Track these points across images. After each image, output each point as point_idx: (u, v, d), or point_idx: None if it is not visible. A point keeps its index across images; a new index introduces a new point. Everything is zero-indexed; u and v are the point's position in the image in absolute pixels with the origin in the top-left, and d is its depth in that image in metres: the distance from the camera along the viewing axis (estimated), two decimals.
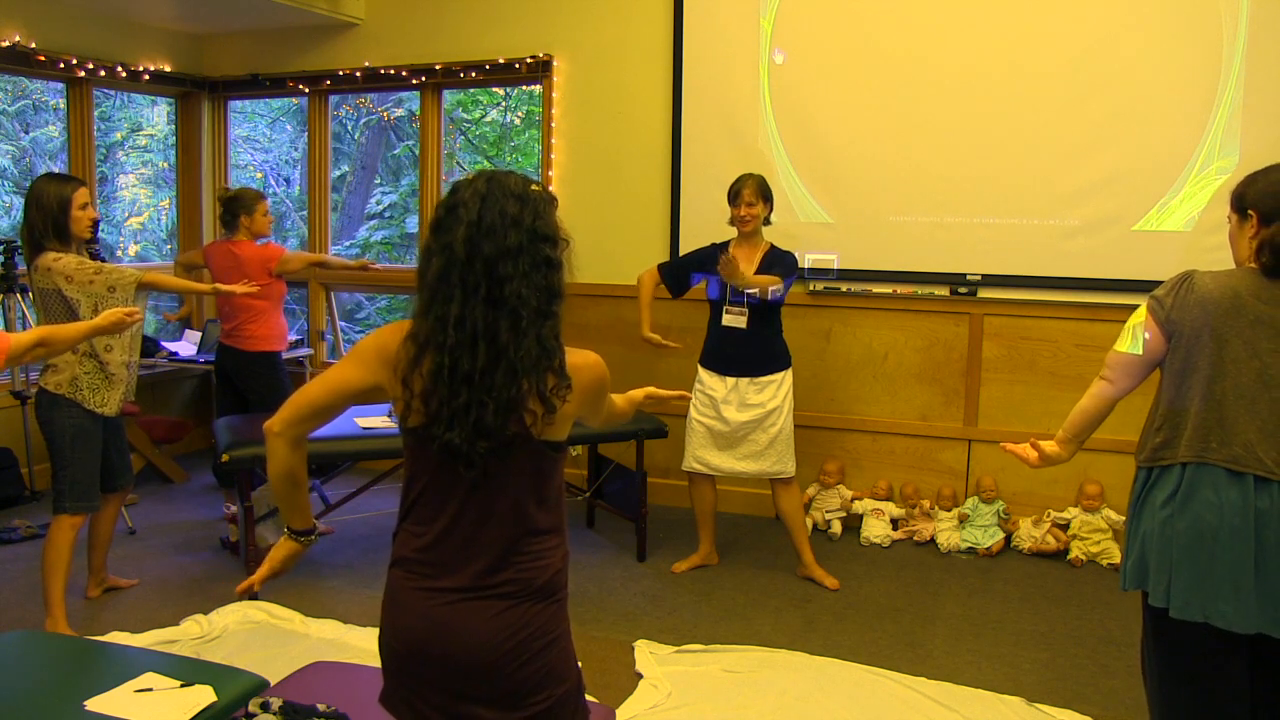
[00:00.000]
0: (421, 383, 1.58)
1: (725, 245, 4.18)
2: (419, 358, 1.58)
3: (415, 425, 1.61)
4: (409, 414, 1.62)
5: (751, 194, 4.04)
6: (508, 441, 1.57)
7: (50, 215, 3.46)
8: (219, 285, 4.15)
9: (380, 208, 8.69)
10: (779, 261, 4.05)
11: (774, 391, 4.09)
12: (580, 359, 1.65)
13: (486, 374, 1.54)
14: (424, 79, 5.67)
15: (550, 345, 1.58)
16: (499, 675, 1.59)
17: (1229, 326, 2.08)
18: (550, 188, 5.37)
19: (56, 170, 5.84)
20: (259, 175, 8.49)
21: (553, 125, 5.37)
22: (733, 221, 4.11)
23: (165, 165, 6.89)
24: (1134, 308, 2.30)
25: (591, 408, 1.72)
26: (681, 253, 4.96)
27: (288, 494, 1.77)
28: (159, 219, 7.80)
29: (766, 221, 4.13)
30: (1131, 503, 2.25)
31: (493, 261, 1.54)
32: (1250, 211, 2.15)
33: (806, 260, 4.83)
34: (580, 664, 1.75)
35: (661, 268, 4.33)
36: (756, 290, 3.92)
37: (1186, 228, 4.37)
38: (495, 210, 1.56)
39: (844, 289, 4.86)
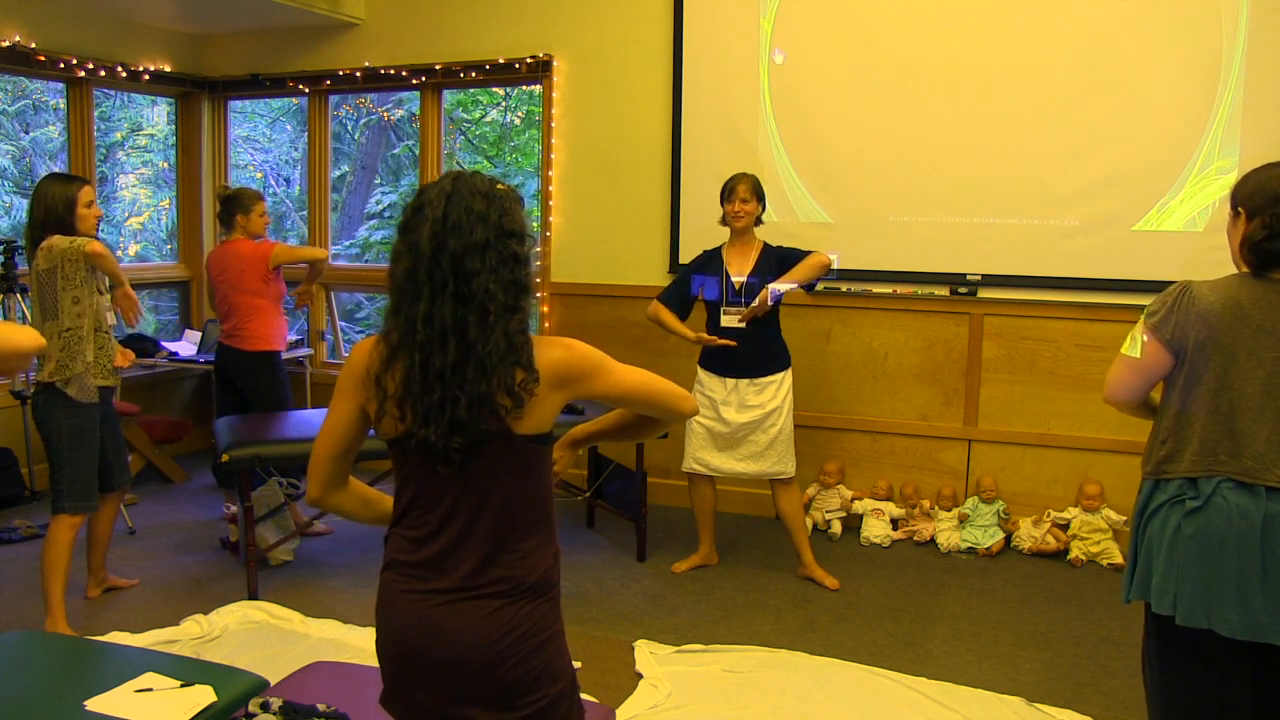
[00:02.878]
0: (394, 385, 1.59)
1: (718, 250, 4.18)
2: (391, 359, 1.60)
3: (395, 436, 1.63)
4: (384, 418, 1.63)
5: (746, 191, 4.04)
6: (486, 438, 1.57)
7: (55, 214, 3.51)
8: (126, 285, 3.72)
9: (380, 208, 8.69)
10: (791, 256, 4.04)
11: (774, 392, 4.09)
12: (548, 350, 1.63)
13: (457, 370, 1.55)
14: (424, 79, 5.66)
15: (517, 340, 1.58)
16: (492, 675, 1.59)
17: (1233, 338, 2.07)
18: (550, 188, 5.38)
19: (57, 170, 5.84)
20: (259, 175, 8.49)
21: (553, 125, 5.37)
22: (725, 220, 4.11)
23: (165, 165, 6.89)
24: (1133, 308, 2.29)
25: (584, 390, 1.67)
26: (681, 254, 4.96)
27: (369, 518, 1.83)
28: (159, 219, 7.80)
29: (759, 220, 4.13)
30: (1136, 514, 2.22)
31: (459, 257, 1.55)
32: (1240, 209, 2.15)
33: None
34: (580, 664, 1.76)
35: (662, 299, 4.21)
36: (786, 287, 3.92)
37: (1186, 228, 4.37)
38: (461, 207, 1.57)
39: (844, 289, 4.86)
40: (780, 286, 3.98)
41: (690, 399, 1.80)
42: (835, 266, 4.74)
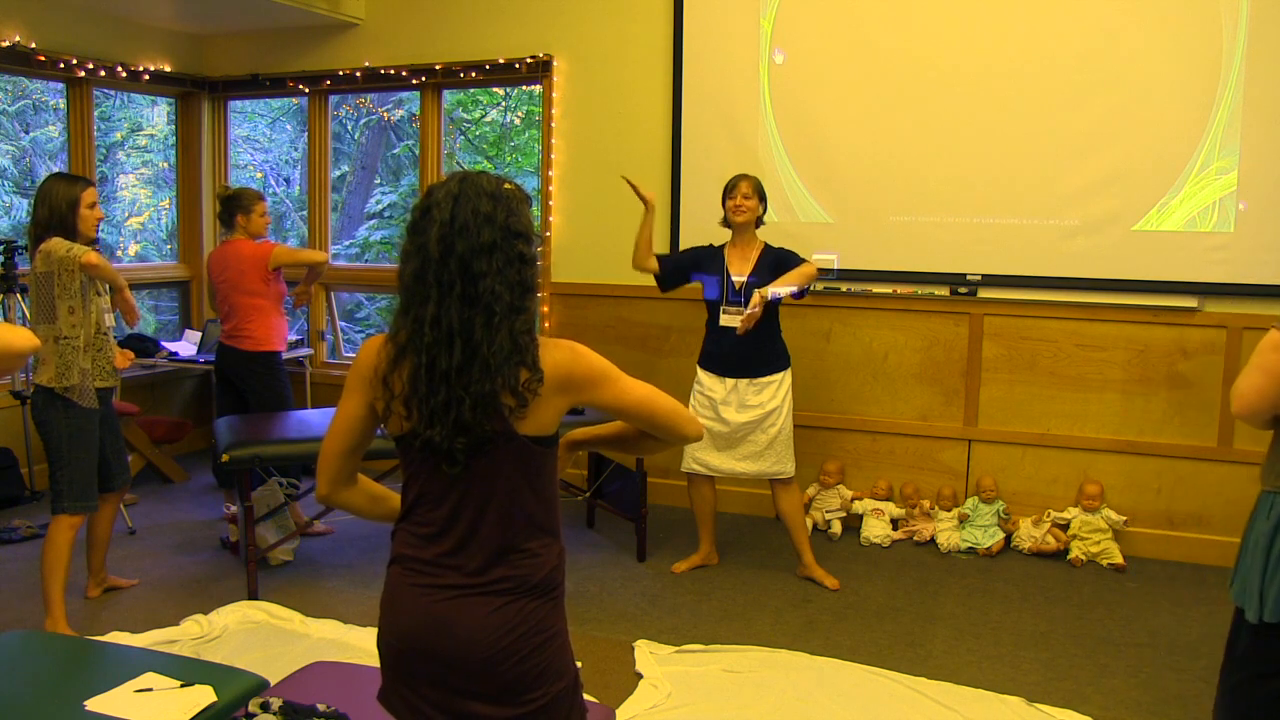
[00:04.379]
0: (401, 385, 1.61)
1: (720, 249, 4.18)
2: (399, 359, 1.61)
3: (402, 433, 1.64)
4: (390, 417, 1.64)
5: (748, 187, 4.04)
6: (490, 438, 1.58)
7: (59, 214, 3.52)
8: (125, 290, 3.76)
9: (380, 207, 8.69)
10: (788, 259, 4.04)
11: (773, 392, 4.09)
12: (553, 352, 1.63)
13: (463, 371, 1.56)
14: (424, 79, 5.66)
15: (522, 340, 1.59)
16: (495, 671, 1.60)
17: None
18: (550, 188, 5.38)
19: (57, 170, 5.84)
20: (259, 175, 8.49)
21: (553, 125, 5.37)
22: (726, 219, 4.11)
23: (165, 165, 6.89)
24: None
25: (586, 398, 1.67)
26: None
27: (378, 515, 1.83)
28: (159, 219, 7.80)
29: (760, 222, 4.13)
30: (1268, 530, 2.15)
31: (467, 259, 1.56)
32: None
33: None
34: (580, 663, 1.76)
35: (659, 255, 4.30)
36: (785, 291, 3.91)
37: (1186, 228, 4.37)
38: (468, 209, 1.57)
39: (844, 289, 4.86)
40: (775, 291, 3.95)
41: (695, 422, 1.76)
42: (836, 267, 4.75)
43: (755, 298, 3.94)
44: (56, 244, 3.49)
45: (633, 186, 4.15)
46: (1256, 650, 2.18)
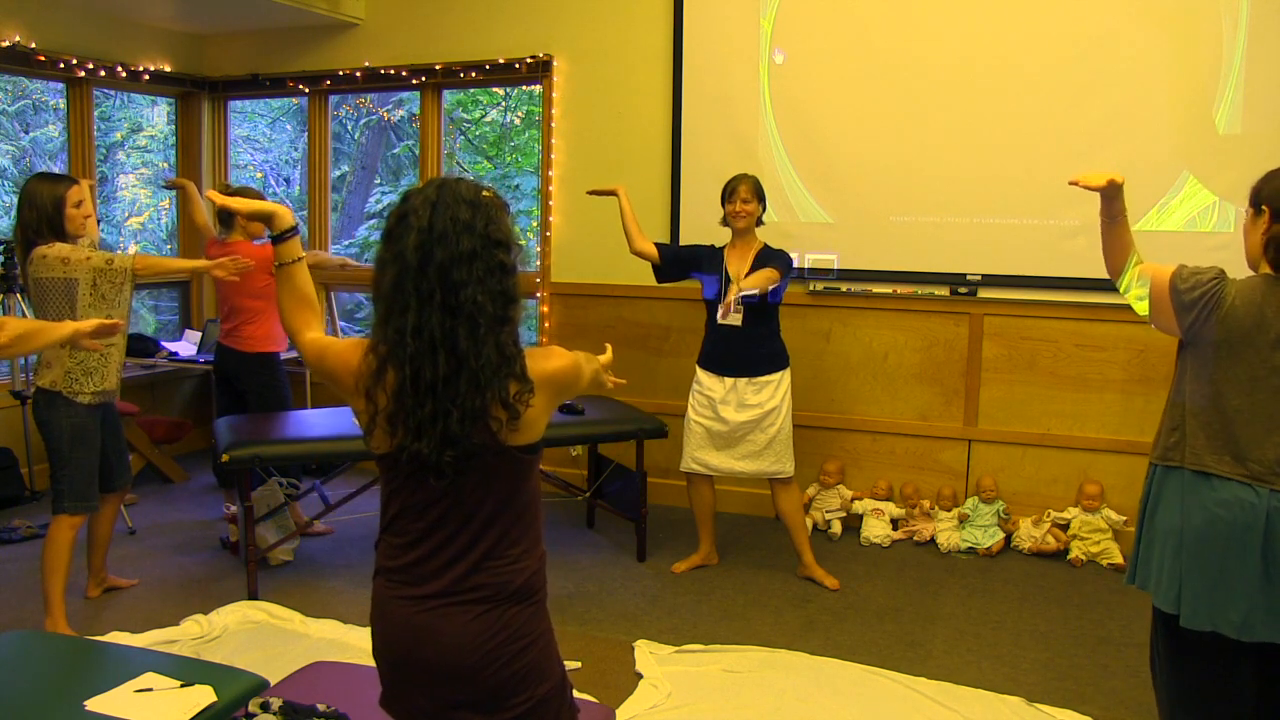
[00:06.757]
0: (385, 399, 1.58)
1: (720, 250, 4.19)
2: (381, 371, 1.58)
3: (387, 452, 1.62)
4: (374, 430, 1.62)
5: (747, 191, 4.05)
6: (476, 450, 1.57)
7: (45, 214, 3.48)
8: (225, 261, 3.93)
9: (380, 207, 8.69)
10: (774, 258, 4.04)
11: (772, 391, 4.09)
12: (543, 362, 1.64)
13: (449, 383, 1.54)
14: (424, 79, 5.66)
15: (510, 352, 1.58)
16: (478, 678, 1.61)
17: (1250, 344, 2.08)
18: (550, 188, 5.38)
19: (56, 170, 5.84)
20: (259, 175, 8.49)
21: (553, 125, 5.36)
22: (726, 220, 4.11)
23: (165, 165, 6.89)
24: (1133, 308, 2.32)
25: (568, 396, 1.76)
26: None
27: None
28: (159, 219, 7.80)
29: (760, 221, 4.13)
30: (1143, 499, 2.25)
31: (446, 268, 1.53)
32: (1264, 207, 2.16)
33: (806, 260, 4.84)
34: (580, 664, 1.77)
35: (659, 244, 4.34)
36: (755, 290, 3.89)
37: (1186, 228, 4.37)
38: (446, 216, 1.54)
39: (844, 289, 4.86)
40: (742, 290, 3.90)
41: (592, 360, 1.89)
42: (835, 266, 4.75)
43: (733, 289, 3.91)
44: (80, 252, 3.45)
45: (596, 192, 4.43)
46: (1157, 638, 2.26)
